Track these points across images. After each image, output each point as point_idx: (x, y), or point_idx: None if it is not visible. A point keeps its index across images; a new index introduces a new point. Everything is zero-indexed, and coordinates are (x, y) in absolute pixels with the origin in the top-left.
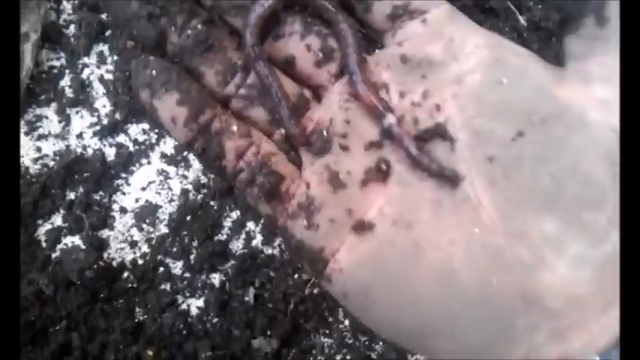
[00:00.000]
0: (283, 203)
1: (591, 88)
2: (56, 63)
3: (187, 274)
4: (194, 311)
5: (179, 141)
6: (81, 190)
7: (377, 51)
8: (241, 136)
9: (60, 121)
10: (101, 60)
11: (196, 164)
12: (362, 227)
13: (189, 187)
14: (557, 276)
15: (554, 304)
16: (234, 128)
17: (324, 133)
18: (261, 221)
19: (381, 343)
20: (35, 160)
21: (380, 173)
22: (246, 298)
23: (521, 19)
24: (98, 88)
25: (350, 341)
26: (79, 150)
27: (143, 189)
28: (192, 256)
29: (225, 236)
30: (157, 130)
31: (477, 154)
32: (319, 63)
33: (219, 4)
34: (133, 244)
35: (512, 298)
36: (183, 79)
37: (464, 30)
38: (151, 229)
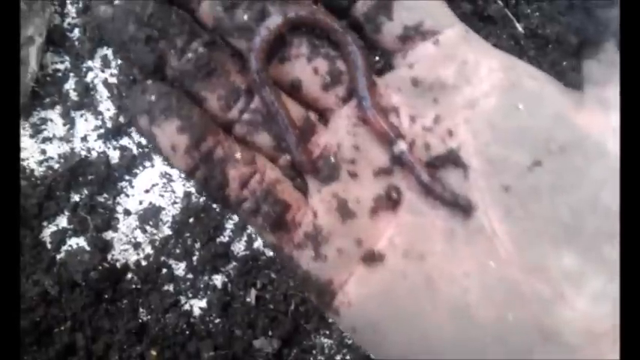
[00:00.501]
0: (289, 232)
1: (610, 115)
2: (61, 66)
3: (190, 276)
4: (197, 312)
5: (180, 169)
6: (85, 192)
7: (387, 73)
8: (245, 163)
9: (64, 124)
10: (105, 63)
11: None
12: (372, 258)
13: (192, 189)
14: (576, 312)
15: (572, 340)
16: (238, 155)
17: (332, 159)
18: None
19: None
20: (40, 163)
21: (390, 201)
22: (248, 299)
23: (519, 27)
24: (102, 92)
25: (350, 342)
26: (83, 153)
27: (147, 191)
28: (194, 258)
29: (227, 238)
30: None
31: (491, 182)
32: (326, 86)
33: (221, 26)
34: (137, 246)
35: (529, 333)
36: (183, 105)
37: (478, 52)
38: (155, 231)
